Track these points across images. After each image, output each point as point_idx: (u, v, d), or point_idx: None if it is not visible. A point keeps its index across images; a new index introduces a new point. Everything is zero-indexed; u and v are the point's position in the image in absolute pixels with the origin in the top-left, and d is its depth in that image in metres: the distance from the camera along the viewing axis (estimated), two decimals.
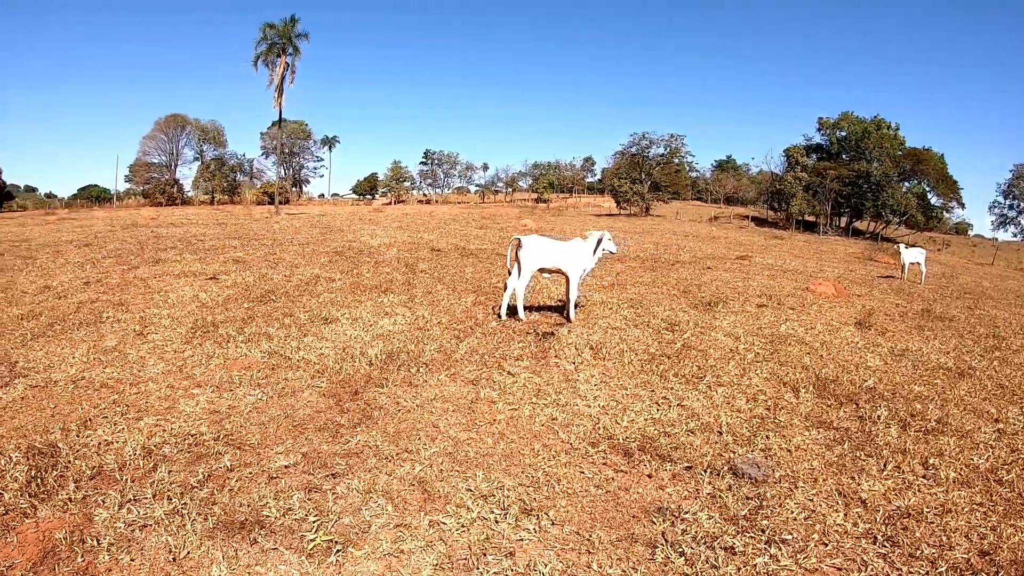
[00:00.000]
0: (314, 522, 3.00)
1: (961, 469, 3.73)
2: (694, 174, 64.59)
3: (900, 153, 47.93)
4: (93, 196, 59.64)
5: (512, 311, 7.42)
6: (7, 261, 12.15)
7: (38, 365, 5.56)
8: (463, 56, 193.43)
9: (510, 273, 7.26)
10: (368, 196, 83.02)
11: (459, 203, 66.57)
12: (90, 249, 13.90)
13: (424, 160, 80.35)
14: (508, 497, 3.25)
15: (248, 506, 3.14)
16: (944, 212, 50.50)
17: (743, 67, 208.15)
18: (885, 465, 3.73)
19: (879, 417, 4.49)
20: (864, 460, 3.80)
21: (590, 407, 4.54)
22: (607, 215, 45.69)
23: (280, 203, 55.34)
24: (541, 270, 7.36)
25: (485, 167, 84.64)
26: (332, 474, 3.49)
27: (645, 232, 26.71)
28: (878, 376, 5.67)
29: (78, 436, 4.00)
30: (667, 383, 5.09)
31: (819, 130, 52.67)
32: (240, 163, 60.32)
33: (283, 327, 6.90)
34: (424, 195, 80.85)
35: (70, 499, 3.20)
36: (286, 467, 3.57)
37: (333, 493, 3.28)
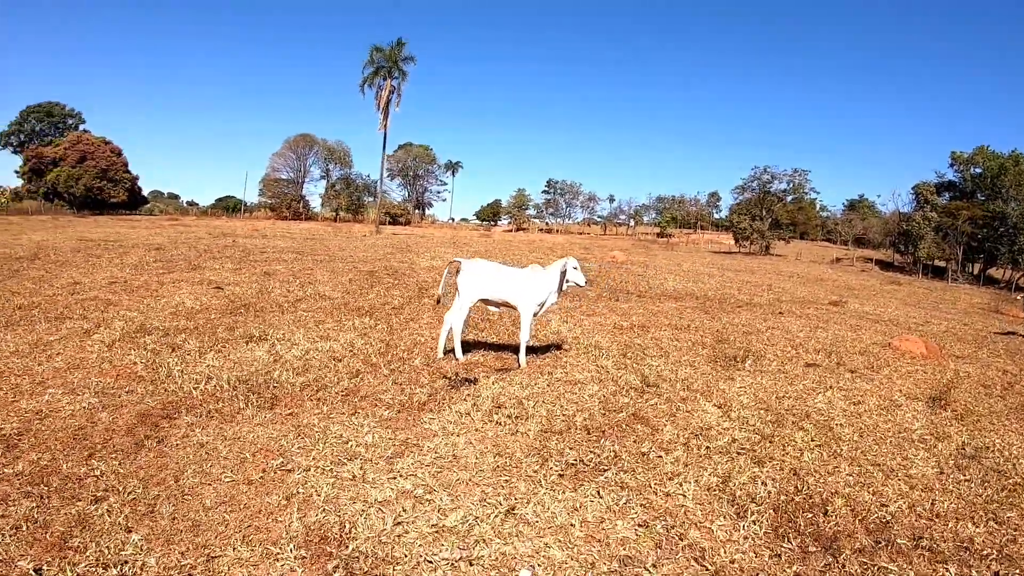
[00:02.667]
0: None
1: None
2: (824, 213, 62.37)
3: None
4: (230, 207, 68.55)
5: (451, 349, 6.29)
6: (76, 258, 13.68)
7: None
8: (588, 84, 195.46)
9: (439, 301, 6.16)
10: (488, 222, 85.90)
11: (579, 234, 66.19)
12: (157, 252, 15.31)
13: (547, 189, 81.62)
14: None
15: None
16: None
17: (877, 97, 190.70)
18: None
19: None
20: None
21: (376, 492, 3.29)
22: (725, 252, 44.49)
23: (405, 223, 59.70)
24: (485, 302, 6.17)
25: (611, 199, 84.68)
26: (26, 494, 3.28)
27: (746, 271, 24.68)
28: (913, 497, 3.56)
29: None
30: (543, 473, 3.62)
31: (951, 165, 48.63)
32: (366, 184, 65.45)
33: (209, 341, 6.67)
34: (547, 224, 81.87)
35: None
36: (16, 475, 3.51)
37: None
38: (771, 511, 3.33)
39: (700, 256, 35.08)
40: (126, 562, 2.71)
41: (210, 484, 3.45)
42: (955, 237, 42.79)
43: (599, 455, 3.89)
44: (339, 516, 3.07)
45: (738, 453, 4.05)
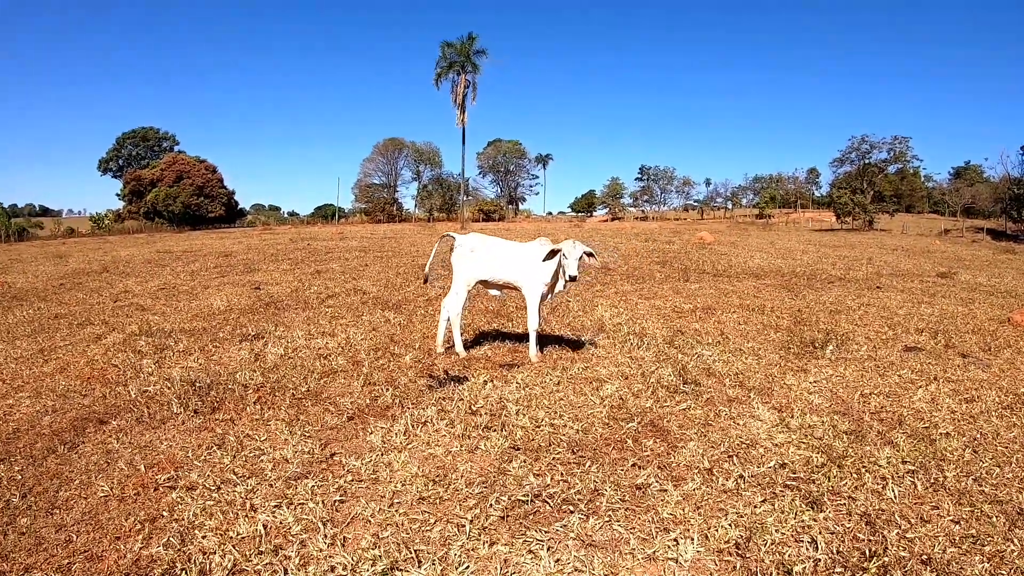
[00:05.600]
0: None
1: None
2: (930, 184, 61.94)
3: None
4: (328, 214, 72.48)
5: (451, 342, 5.46)
6: (143, 268, 14.55)
7: None
8: (674, 66, 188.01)
9: (426, 281, 5.33)
10: (583, 213, 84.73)
11: (676, 219, 63.55)
12: (223, 259, 15.99)
13: (640, 176, 79.15)
14: None
15: None
16: None
17: (976, 53, 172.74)
18: None
19: None
20: None
21: (245, 524, 2.54)
22: (826, 230, 42.27)
23: (499, 219, 60.23)
24: (484, 284, 5.27)
25: (707, 182, 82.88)
26: None
27: (845, 246, 23.55)
28: None
29: None
30: (477, 511, 2.68)
31: None
32: (458, 183, 66.56)
33: (202, 341, 6.40)
34: (642, 212, 79.68)
35: None
36: None
37: None
38: None
39: (798, 234, 33.49)
40: None
41: (85, 498, 3.00)
42: None
43: (570, 487, 2.86)
44: (180, 552, 2.42)
45: (786, 486, 2.84)
